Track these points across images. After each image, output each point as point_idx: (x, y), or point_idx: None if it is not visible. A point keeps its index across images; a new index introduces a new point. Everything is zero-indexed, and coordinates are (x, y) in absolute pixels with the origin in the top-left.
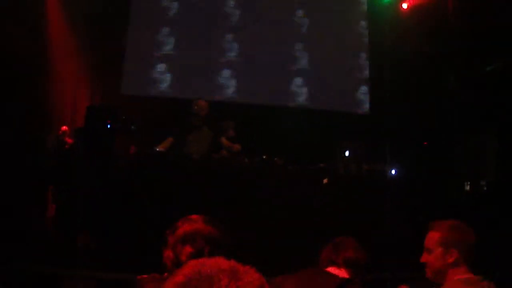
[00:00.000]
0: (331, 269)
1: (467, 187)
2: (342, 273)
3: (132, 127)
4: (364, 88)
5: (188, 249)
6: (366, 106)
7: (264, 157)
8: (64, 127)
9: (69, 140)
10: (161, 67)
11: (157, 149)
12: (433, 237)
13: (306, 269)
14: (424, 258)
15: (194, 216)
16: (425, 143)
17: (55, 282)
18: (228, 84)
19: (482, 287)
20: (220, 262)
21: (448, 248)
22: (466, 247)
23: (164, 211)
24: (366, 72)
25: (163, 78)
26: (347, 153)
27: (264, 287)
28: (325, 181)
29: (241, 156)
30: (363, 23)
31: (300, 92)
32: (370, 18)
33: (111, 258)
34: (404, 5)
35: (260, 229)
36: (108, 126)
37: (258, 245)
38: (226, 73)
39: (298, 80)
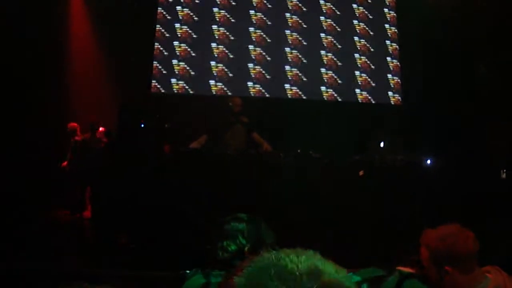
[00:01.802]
0: (405, 269)
1: (503, 175)
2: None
3: (166, 125)
4: (396, 79)
5: (228, 245)
6: (399, 96)
7: (298, 151)
8: (101, 128)
9: (104, 140)
10: (190, 65)
11: (192, 147)
12: (424, 255)
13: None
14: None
15: (240, 214)
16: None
17: (93, 282)
18: (259, 80)
19: None
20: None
21: (440, 266)
22: (459, 259)
23: (201, 208)
24: (398, 62)
25: (191, 76)
26: (382, 145)
27: None
28: (361, 173)
29: (276, 151)
30: (392, 12)
31: (331, 84)
32: (399, 7)
33: (150, 256)
34: None
35: (300, 224)
36: (142, 126)
37: (299, 241)
38: (255, 68)
39: (330, 73)
